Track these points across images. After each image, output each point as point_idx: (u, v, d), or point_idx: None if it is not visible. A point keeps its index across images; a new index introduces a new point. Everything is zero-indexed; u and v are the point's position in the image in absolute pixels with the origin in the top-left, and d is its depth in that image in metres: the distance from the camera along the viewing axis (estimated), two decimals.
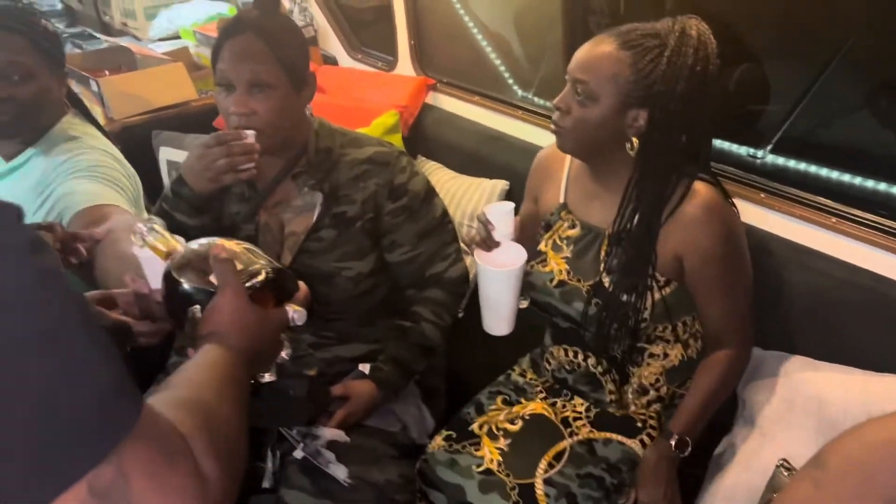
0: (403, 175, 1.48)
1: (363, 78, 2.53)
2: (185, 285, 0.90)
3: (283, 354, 0.97)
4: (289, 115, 1.41)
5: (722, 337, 1.39)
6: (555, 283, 1.43)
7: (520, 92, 2.46)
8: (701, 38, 1.24)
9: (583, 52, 1.29)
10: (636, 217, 1.32)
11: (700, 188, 1.31)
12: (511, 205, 1.35)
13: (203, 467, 0.51)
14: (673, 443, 1.36)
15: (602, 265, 1.38)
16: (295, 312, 0.94)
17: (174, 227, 1.29)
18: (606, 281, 1.37)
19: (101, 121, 2.38)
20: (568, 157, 1.48)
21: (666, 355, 1.44)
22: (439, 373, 1.71)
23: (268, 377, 1.01)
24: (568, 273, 1.42)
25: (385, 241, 1.51)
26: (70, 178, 1.50)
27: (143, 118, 2.39)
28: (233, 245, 0.94)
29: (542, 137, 2.05)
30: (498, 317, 1.39)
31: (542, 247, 1.47)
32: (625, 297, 1.34)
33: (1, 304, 0.42)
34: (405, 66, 2.45)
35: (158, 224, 1.01)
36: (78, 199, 1.46)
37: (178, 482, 0.48)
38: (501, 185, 2.08)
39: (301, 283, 1.00)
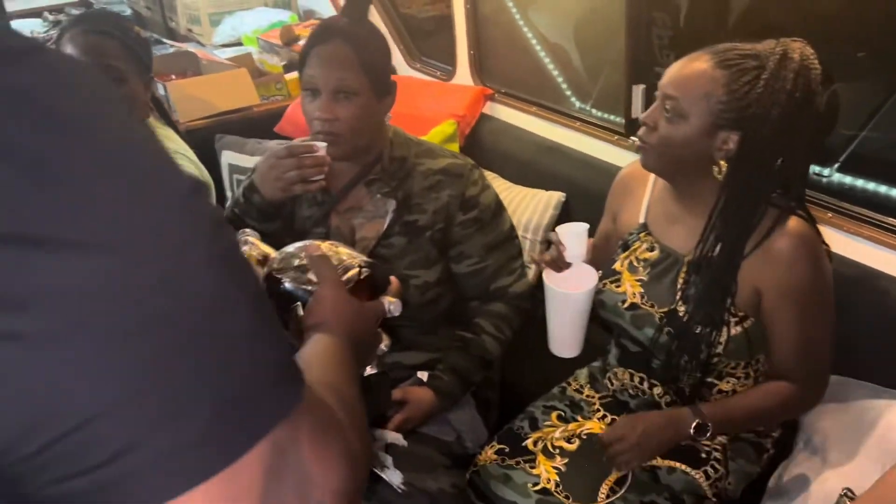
0: (475, 188, 1.49)
1: (421, 87, 2.55)
2: (287, 284, 0.93)
3: (383, 346, 0.99)
4: (369, 123, 1.43)
5: (789, 374, 1.32)
6: (626, 305, 1.39)
7: (578, 103, 2.45)
8: (804, 63, 1.18)
9: (675, 69, 1.25)
10: (718, 245, 1.26)
11: (792, 222, 1.24)
12: (585, 226, 1.32)
13: (351, 443, 0.52)
14: (695, 419, 1.29)
15: (678, 293, 1.33)
16: (391, 304, 0.97)
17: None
18: (681, 310, 1.32)
19: None
20: (651, 177, 1.44)
21: (735, 391, 1.38)
22: (494, 385, 1.70)
23: (369, 370, 1.02)
24: (642, 297, 1.37)
25: (453, 252, 1.52)
26: None
27: (207, 122, 2.45)
28: (325, 245, 0.98)
29: (600, 149, 2.04)
30: (565, 339, 1.38)
31: (617, 266, 1.43)
32: (699, 329, 1.29)
33: (216, 263, 0.44)
34: (464, 75, 2.46)
35: (252, 235, 1.05)
36: None
37: (338, 450, 0.49)
38: (558, 196, 2.07)
39: (392, 278, 1.02)
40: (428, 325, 1.56)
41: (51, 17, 3.49)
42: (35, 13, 3.61)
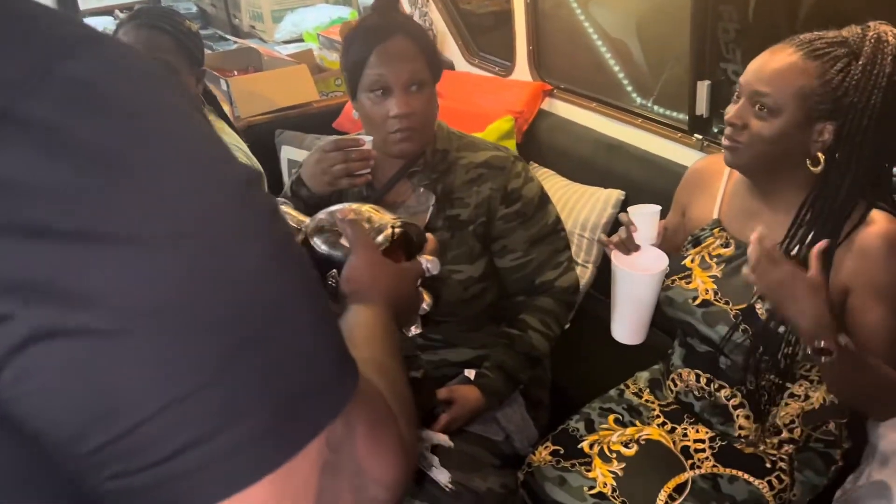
0: (518, 180, 1.47)
1: (479, 83, 2.54)
2: (320, 248, 0.92)
3: (425, 305, 0.96)
4: (435, 113, 1.46)
5: None
6: (698, 301, 1.35)
7: (639, 100, 2.39)
8: None
9: (761, 63, 1.21)
10: (808, 239, 1.22)
11: (879, 216, 1.20)
12: (657, 207, 1.29)
13: (402, 432, 0.52)
14: (833, 339, 1.10)
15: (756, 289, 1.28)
16: (428, 262, 0.94)
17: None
18: (759, 307, 1.27)
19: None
20: (726, 172, 1.41)
21: (808, 397, 1.34)
22: (545, 385, 1.68)
23: (414, 330, 1.02)
24: (715, 294, 1.33)
25: (496, 246, 1.50)
26: None
27: (267, 117, 2.48)
28: (360, 206, 0.96)
29: (661, 146, 1.99)
30: (630, 324, 1.33)
31: (687, 262, 1.40)
32: (781, 328, 1.24)
33: (272, 260, 0.44)
34: (522, 71, 2.43)
35: (285, 204, 1.06)
36: None
37: (391, 442, 0.49)
38: (616, 194, 2.02)
39: (429, 235, 0.99)
40: (473, 321, 1.54)
41: (121, 15, 3.60)
42: (107, 11, 3.73)
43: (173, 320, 0.39)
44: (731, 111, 1.24)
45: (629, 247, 1.29)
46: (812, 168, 1.22)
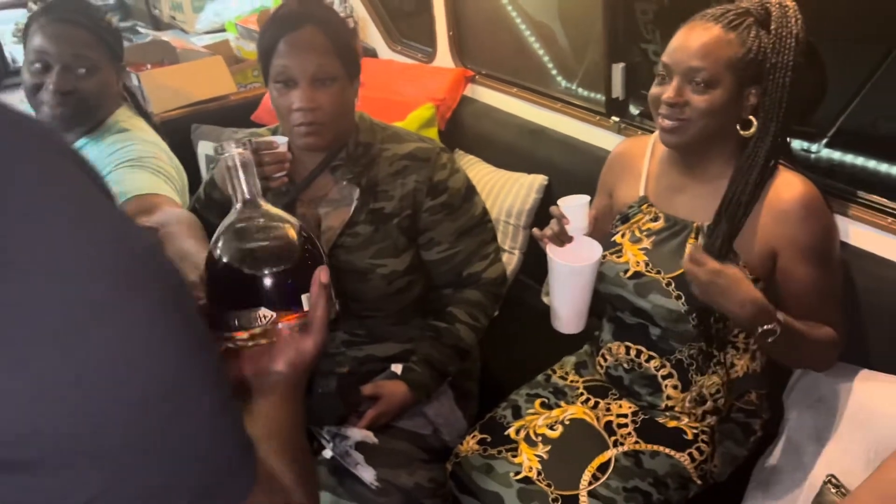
0: (444, 172, 1.45)
1: (401, 70, 2.50)
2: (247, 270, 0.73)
3: (332, 315, 0.87)
4: (346, 108, 1.40)
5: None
6: (629, 274, 1.38)
7: (564, 83, 2.39)
8: (796, 10, 1.24)
9: (684, 40, 1.25)
10: (740, 212, 1.27)
11: (794, 178, 1.27)
12: (586, 198, 1.30)
13: (294, 498, 0.54)
14: (774, 320, 1.16)
15: None
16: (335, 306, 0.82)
17: (209, 230, 1.28)
18: None
19: None
20: (648, 151, 1.46)
21: (732, 365, 1.38)
22: (473, 376, 1.67)
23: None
24: (646, 265, 1.37)
25: (422, 239, 1.48)
26: (118, 168, 1.51)
27: (183, 112, 2.40)
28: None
29: (582, 131, 1.99)
30: (571, 314, 1.34)
31: (617, 238, 1.43)
32: None
33: (128, 361, 0.41)
34: (444, 57, 2.41)
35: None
36: (126, 188, 1.46)
37: None
38: (540, 179, 2.02)
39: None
40: (399, 315, 1.52)
41: (35, 7, 3.44)
42: (20, 3, 3.56)
43: (70, 438, 0.38)
44: (669, 91, 1.26)
45: (563, 238, 1.30)
46: (743, 132, 1.28)
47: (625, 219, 1.44)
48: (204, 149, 2.34)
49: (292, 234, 0.76)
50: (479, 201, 1.52)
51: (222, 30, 3.21)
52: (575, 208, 1.29)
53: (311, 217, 1.47)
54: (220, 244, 0.74)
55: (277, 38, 1.33)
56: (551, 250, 1.29)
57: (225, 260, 0.73)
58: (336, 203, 1.45)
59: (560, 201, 1.30)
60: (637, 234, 1.41)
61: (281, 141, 1.34)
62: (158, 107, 2.36)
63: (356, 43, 1.48)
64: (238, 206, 0.77)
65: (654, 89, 1.29)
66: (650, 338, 1.41)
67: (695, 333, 1.33)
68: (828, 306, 1.29)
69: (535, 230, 1.32)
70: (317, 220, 1.47)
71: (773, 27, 1.22)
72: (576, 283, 1.29)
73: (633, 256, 1.39)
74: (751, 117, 1.27)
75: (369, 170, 1.44)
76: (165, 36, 3.08)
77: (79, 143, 1.62)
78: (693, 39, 1.24)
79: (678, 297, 1.32)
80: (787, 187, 1.26)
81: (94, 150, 1.59)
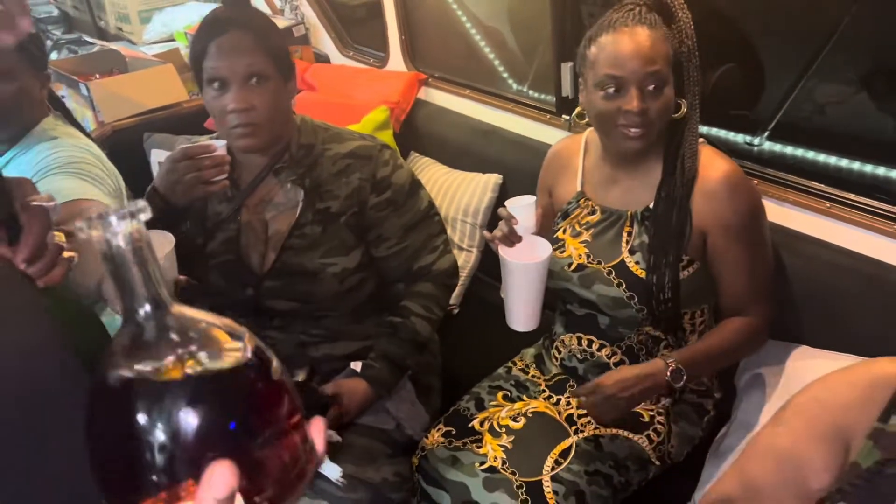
0: (386, 168, 1.47)
1: (354, 75, 2.52)
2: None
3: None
4: (282, 107, 1.41)
5: (742, 310, 1.37)
6: (573, 267, 1.42)
7: (515, 86, 2.44)
8: None
9: (635, 47, 1.26)
10: (677, 185, 1.32)
11: (715, 156, 1.32)
12: (532, 198, 1.33)
13: None
14: (670, 365, 1.30)
15: (624, 245, 1.38)
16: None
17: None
18: (629, 261, 1.36)
19: (93, 125, 2.37)
20: (581, 148, 1.50)
21: (681, 347, 1.42)
22: (435, 371, 1.69)
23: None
24: (588, 256, 1.41)
25: (371, 236, 1.49)
26: (47, 176, 1.49)
27: (134, 121, 2.37)
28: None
29: (532, 129, 2.04)
30: (526, 311, 1.36)
31: (559, 234, 1.47)
32: (652, 276, 1.33)
33: None
34: (396, 61, 2.43)
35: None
36: (54, 195, 1.44)
37: None
38: (494, 178, 2.06)
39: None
40: (354, 313, 1.53)
41: None
42: None
43: None
44: (633, 102, 1.26)
45: (512, 238, 1.33)
46: (674, 115, 1.32)
47: (565, 215, 1.49)
48: (157, 156, 2.30)
49: (230, 343, 0.46)
50: (424, 195, 1.54)
51: (171, 40, 3.18)
52: (522, 208, 1.32)
53: (257, 222, 1.48)
54: (108, 373, 0.44)
55: (207, 42, 1.35)
56: (503, 251, 1.32)
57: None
58: (282, 206, 1.46)
59: (507, 202, 1.34)
60: (577, 228, 1.45)
61: (219, 144, 1.34)
62: (109, 116, 2.33)
63: (288, 44, 1.49)
64: (141, 313, 0.45)
65: (605, 104, 1.29)
66: (599, 327, 1.45)
67: (640, 318, 1.37)
68: (757, 284, 1.34)
69: (486, 232, 1.35)
70: (263, 224, 1.47)
71: (680, 15, 1.28)
72: (528, 280, 1.32)
73: (575, 250, 1.43)
74: (679, 101, 1.32)
75: (312, 170, 1.45)
76: (113, 46, 3.04)
77: (5, 157, 1.59)
78: (639, 44, 1.26)
79: (619, 285, 1.36)
80: (713, 168, 1.31)
81: (23, 162, 1.56)
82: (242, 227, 1.48)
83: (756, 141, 1.94)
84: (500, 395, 1.51)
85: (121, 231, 0.43)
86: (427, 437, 1.47)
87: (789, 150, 1.92)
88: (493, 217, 2.04)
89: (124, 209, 0.43)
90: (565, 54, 1.86)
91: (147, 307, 0.45)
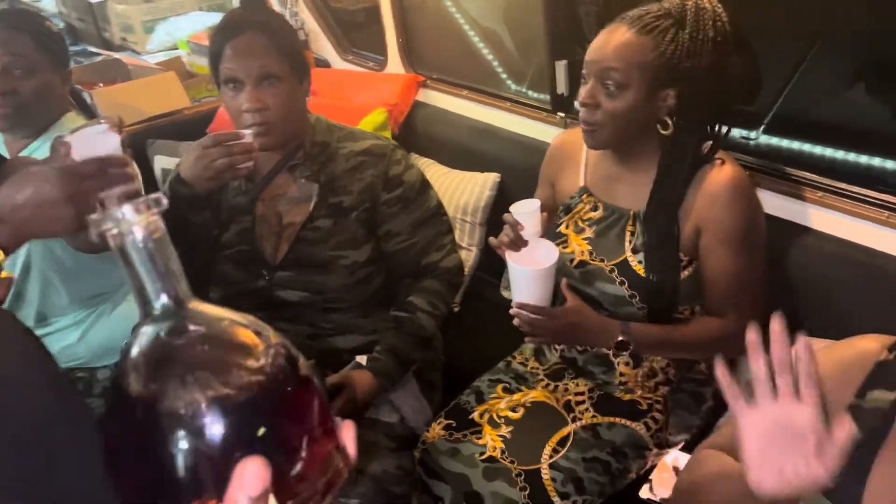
0: (399, 167, 1.51)
1: (353, 78, 2.54)
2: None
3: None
4: (295, 108, 1.45)
5: (720, 312, 1.36)
6: (575, 263, 1.43)
7: (514, 86, 2.46)
8: (716, 11, 1.25)
9: (602, 43, 1.27)
10: (666, 195, 1.32)
11: (727, 164, 1.31)
12: (537, 202, 1.34)
13: None
14: (623, 336, 1.32)
15: (627, 244, 1.37)
16: None
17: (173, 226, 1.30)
18: (632, 260, 1.36)
19: None
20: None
21: None
22: (437, 367, 1.71)
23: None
24: (590, 254, 1.42)
25: (381, 231, 1.53)
26: None
27: (137, 128, 2.40)
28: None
29: (530, 128, 2.06)
30: None
31: (562, 229, 1.47)
32: (652, 277, 1.33)
33: None
34: (395, 64, 2.46)
35: None
36: None
37: None
38: (493, 177, 2.08)
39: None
40: (362, 307, 1.57)
41: None
42: None
43: None
44: (582, 92, 1.30)
45: (518, 244, 1.34)
46: (662, 131, 1.31)
47: (567, 209, 1.49)
48: (160, 163, 2.35)
49: (253, 340, 0.45)
50: (433, 195, 1.58)
51: (175, 48, 3.22)
52: (527, 214, 1.33)
53: (271, 215, 1.52)
54: (130, 380, 0.43)
55: (223, 44, 1.40)
56: (510, 256, 1.33)
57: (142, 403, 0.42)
58: (296, 200, 1.51)
59: (512, 208, 1.34)
60: (580, 224, 1.46)
61: (247, 133, 1.38)
62: None
63: (300, 43, 1.53)
64: (156, 309, 0.44)
65: (580, 90, 1.32)
66: None
67: (640, 315, 1.38)
68: (741, 293, 1.32)
69: (492, 239, 1.35)
70: (277, 217, 1.52)
71: (687, 31, 1.23)
72: (537, 285, 1.32)
73: (578, 246, 1.44)
74: (666, 118, 1.30)
75: (327, 166, 1.49)
76: (117, 56, 3.08)
77: (30, 149, 1.65)
78: (608, 42, 1.26)
79: (622, 283, 1.36)
80: (721, 171, 1.30)
81: (45, 150, 1.61)
82: (257, 219, 1.53)
83: (753, 135, 1.95)
84: (499, 387, 1.53)
85: (136, 222, 0.42)
86: (428, 432, 1.48)
87: (785, 143, 1.93)
88: (493, 215, 2.06)
89: (139, 200, 0.43)
90: (559, 52, 1.88)
91: (164, 300, 0.43)
